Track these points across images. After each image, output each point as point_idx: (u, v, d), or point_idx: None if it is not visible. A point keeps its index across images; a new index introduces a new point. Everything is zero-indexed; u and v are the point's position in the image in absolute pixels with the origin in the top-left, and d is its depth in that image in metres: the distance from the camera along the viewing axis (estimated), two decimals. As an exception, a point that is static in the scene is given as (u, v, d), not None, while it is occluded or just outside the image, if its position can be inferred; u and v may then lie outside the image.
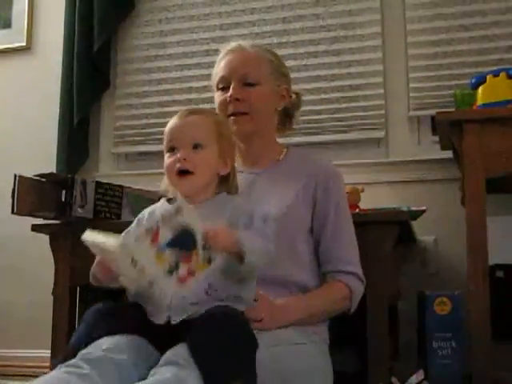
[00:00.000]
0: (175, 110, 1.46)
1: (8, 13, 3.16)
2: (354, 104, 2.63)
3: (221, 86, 1.66)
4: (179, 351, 1.15)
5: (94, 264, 1.28)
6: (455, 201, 2.25)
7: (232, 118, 1.60)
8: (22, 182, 2.03)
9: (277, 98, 1.68)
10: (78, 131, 2.89)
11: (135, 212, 2.18)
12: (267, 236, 1.30)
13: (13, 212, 2.02)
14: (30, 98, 3.07)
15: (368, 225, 1.88)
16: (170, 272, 1.13)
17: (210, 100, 1.80)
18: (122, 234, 1.41)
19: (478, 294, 1.79)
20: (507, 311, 2.05)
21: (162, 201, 1.41)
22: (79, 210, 2.08)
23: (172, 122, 1.39)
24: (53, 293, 2.16)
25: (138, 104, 2.92)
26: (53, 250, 2.17)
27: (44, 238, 2.20)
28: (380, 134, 2.60)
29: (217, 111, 1.63)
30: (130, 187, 2.27)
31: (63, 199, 2.08)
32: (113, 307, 1.24)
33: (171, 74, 2.88)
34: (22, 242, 2.82)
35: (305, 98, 2.64)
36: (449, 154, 2.24)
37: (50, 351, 2.14)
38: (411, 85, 2.58)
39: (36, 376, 2.65)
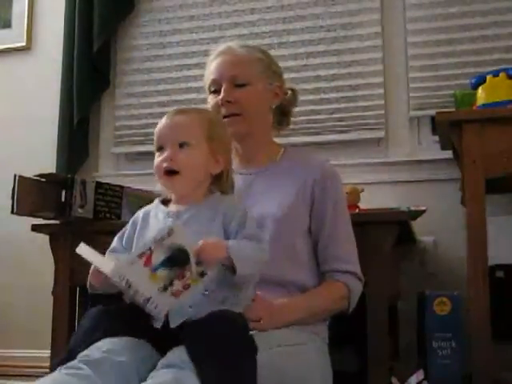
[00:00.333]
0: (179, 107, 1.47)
1: (8, 13, 3.16)
2: (353, 104, 2.63)
3: (212, 88, 1.65)
4: (178, 354, 1.15)
5: (90, 273, 1.29)
6: (455, 201, 2.25)
7: (226, 120, 1.60)
8: (21, 182, 2.03)
9: (270, 96, 1.67)
10: (77, 131, 2.89)
11: (135, 212, 2.20)
12: (260, 239, 1.30)
13: (12, 212, 2.02)
14: (29, 98, 3.07)
15: (368, 225, 1.88)
16: (165, 288, 1.15)
17: (210, 100, 1.81)
18: (114, 239, 1.43)
19: (478, 294, 1.79)
20: (507, 311, 2.05)
21: (156, 202, 1.41)
22: (79, 210, 2.08)
23: (161, 121, 1.39)
24: (53, 293, 2.16)
25: (138, 104, 2.92)
26: (53, 250, 2.17)
27: (44, 238, 2.20)
28: (380, 134, 2.60)
29: None
30: (129, 187, 2.27)
31: (63, 199, 2.08)
32: (112, 308, 1.24)
33: (171, 74, 2.88)
34: (21, 241, 2.82)
35: (305, 98, 2.68)
36: (449, 154, 2.24)
37: (49, 351, 2.14)
38: (411, 85, 2.58)
39: (36, 376, 2.65)
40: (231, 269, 1.21)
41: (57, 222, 2.16)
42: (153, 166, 1.37)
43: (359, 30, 2.66)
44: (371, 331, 1.82)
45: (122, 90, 2.97)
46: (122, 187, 2.25)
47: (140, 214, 1.42)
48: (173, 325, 1.21)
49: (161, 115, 1.41)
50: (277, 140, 1.77)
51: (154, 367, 1.16)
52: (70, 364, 1.16)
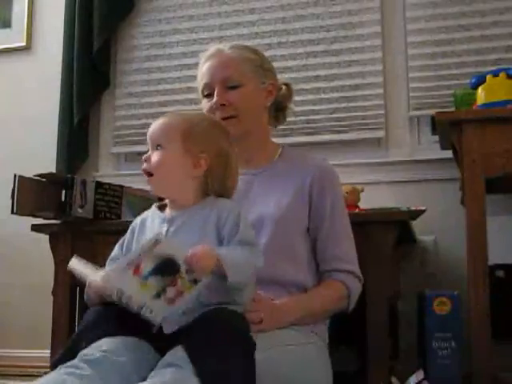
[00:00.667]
0: (175, 110, 1.47)
1: (8, 13, 3.16)
2: (353, 104, 2.64)
3: (206, 92, 1.64)
4: (178, 353, 1.15)
5: (86, 286, 1.31)
6: (455, 201, 2.25)
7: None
8: (21, 182, 2.03)
9: (263, 95, 1.66)
10: (77, 131, 2.89)
11: (135, 212, 2.20)
12: (253, 243, 1.29)
13: (13, 212, 2.02)
14: (29, 98, 3.07)
15: (368, 225, 1.88)
16: (158, 295, 1.15)
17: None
18: (115, 247, 1.43)
19: (478, 293, 1.79)
20: (507, 311, 2.05)
21: (153, 207, 1.41)
22: (79, 209, 2.08)
23: None
24: (53, 292, 2.16)
25: (138, 104, 2.92)
26: (53, 250, 2.17)
27: (44, 238, 2.20)
28: (380, 133, 2.60)
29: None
30: (129, 187, 2.27)
31: (63, 199, 2.08)
32: (112, 309, 1.24)
33: (171, 74, 2.88)
34: (21, 241, 2.82)
35: (304, 97, 2.68)
36: (448, 153, 2.24)
37: (49, 351, 2.14)
38: (411, 85, 2.58)
39: (36, 376, 2.66)
40: (223, 276, 1.21)
41: (57, 221, 2.16)
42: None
43: (359, 29, 2.66)
44: (371, 331, 1.83)
45: (122, 89, 2.97)
46: (121, 187, 2.25)
47: (138, 220, 1.42)
48: (167, 331, 1.21)
49: (161, 115, 1.41)
50: (275, 140, 1.77)
51: (153, 367, 1.16)
52: (69, 363, 1.15)
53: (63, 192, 2.08)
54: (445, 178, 2.42)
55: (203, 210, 1.32)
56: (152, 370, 1.16)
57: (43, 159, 2.84)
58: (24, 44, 3.13)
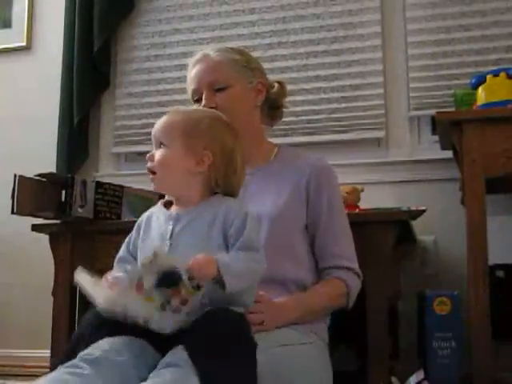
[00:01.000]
0: (178, 107, 1.46)
1: (8, 12, 3.16)
2: (353, 104, 2.64)
3: (195, 98, 1.65)
4: (178, 353, 1.14)
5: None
6: (455, 200, 2.25)
7: None
8: (21, 182, 2.03)
9: (252, 94, 1.66)
10: (77, 131, 2.89)
11: (135, 212, 2.20)
12: (257, 248, 1.27)
13: (13, 212, 2.02)
14: (29, 98, 3.07)
15: (368, 225, 1.88)
16: (163, 307, 1.15)
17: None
18: (122, 247, 1.42)
19: (478, 293, 1.79)
20: (507, 311, 2.05)
21: (159, 204, 1.41)
22: (79, 209, 2.08)
23: None
24: (53, 292, 2.16)
25: (138, 104, 2.92)
26: (53, 250, 2.17)
27: (44, 238, 2.20)
28: (380, 133, 2.60)
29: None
30: (129, 187, 2.27)
31: (63, 199, 2.08)
32: None
33: (171, 74, 2.88)
34: (22, 241, 2.82)
35: (305, 97, 2.69)
36: (449, 153, 2.24)
37: (49, 351, 2.14)
38: (411, 85, 2.58)
39: (36, 376, 2.65)
40: (222, 285, 1.20)
41: (57, 221, 2.16)
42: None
43: (359, 29, 2.66)
44: (371, 331, 1.83)
45: (122, 89, 2.97)
46: (122, 187, 2.25)
47: (143, 217, 1.42)
48: (168, 332, 1.21)
49: (161, 115, 1.41)
50: (276, 140, 1.76)
51: (154, 367, 1.16)
52: (70, 363, 1.15)
53: (63, 192, 2.08)
54: (445, 177, 2.42)
55: (209, 208, 1.31)
56: (152, 369, 1.15)
57: (43, 159, 2.84)
58: (24, 44, 3.13)
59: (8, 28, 3.16)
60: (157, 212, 1.39)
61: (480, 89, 1.97)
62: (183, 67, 2.85)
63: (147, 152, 1.37)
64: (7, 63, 3.16)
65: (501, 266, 2.18)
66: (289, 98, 2.65)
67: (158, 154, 1.33)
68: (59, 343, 2.11)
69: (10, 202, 2.02)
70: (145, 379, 1.13)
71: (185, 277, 1.14)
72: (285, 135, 2.67)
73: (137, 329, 1.19)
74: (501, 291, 2.01)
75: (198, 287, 1.17)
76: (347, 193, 2.15)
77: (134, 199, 2.25)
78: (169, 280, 1.14)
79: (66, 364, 1.15)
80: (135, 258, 1.38)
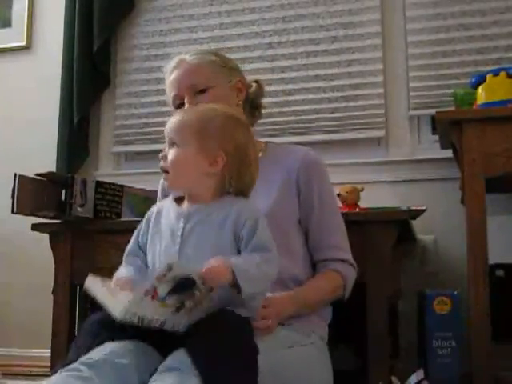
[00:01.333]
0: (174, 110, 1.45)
1: (8, 12, 3.16)
2: (353, 103, 2.64)
3: (177, 103, 1.63)
4: (180, 357, 1.14)
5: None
6: (455, 200, 2.25)
7: None
8: (22, 182, 2.03)
9: (233, 93, 1.65)
10: (77, 130, 2.89)
11: (135, 211, 2.21)
12: (269, 249, 1.27)
13: (13, 211, 2.02)
14: (29, 98, 3.07)
15: (368, 224, 1.88)
16: (178, 310, 1.16)
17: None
18: (131, 240, 1.42)
19: (478, 293, 1.79)
20: (507, 310, 2.05)
21: (170, 199, 1.39)
22: (79, 209, 2.08)
23: None
24: (53, 292, 2.16)
25: (138, 103, 2.92)
26: (53, 249, 2.17)
27: (44, 237, 2.20)
28: (380, 133, 2.60)
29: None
30: (129, 186, 2.27)
31: (63, 198, 2.08)
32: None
33: (171, 74, 2.88)
34: (22, 241, 2.82)
35: (305, 97, 2.69)
36: (449, 153, 2.24)
37: (49, 351, 2.14)
38: (411, 84, 2.58)
39: (36, 375, 2.67)
40: (237, 289, 1.20)
41: (57, 221, 2.16)
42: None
43: (359, 29, 2.66)
44: (371, 331, 1.82)
45: (122, 89, 2.97)
46: (122, 186, 2.25)
47: (154, 210, 1.41)
48: (183, 330, 1.20)
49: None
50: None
51: (155, 370, 1.16)
52: (70, 366, 1.15)
53: (63, 191, 2.08)
54: (445, 177, 2.42)
55: (221, 208, 1.30)
56: (153, 372, 1.15)
57: (43, 159, 2.84)
58: (24, 44, 3.13)
59: (8, 27, 3.16)
60: (167, 207, 1.38)
61: (480, 88, 1.97)
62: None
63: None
64: (7, 63, 3.16)
65: (501, 265, 2.18)
66: (289, 98, 2.70)
67: (170, 153, 1.32)
68: (59, 342, 2.11)
69: (10, 201, 2.02)
70: (146, 382, 1.13)
71: (198, 282, 1.15)
72: (284, 134, 2.68)
73: (138, 332, 1.19)
74: (501, 290, 2.01)
75: (212, 289, 1.17)
76: (347, 192, 2.15)
77: (134, 199, 2.25)
78: (183, 287, 1.14)
79: (66, 368, 1.15)
80: (144, 252, 1.38)
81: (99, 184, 2.16)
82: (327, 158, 2.54)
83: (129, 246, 1.41)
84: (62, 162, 2.85)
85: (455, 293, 1.91)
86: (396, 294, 2.04)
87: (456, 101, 2.18)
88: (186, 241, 1.29)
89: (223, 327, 1.17)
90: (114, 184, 2.23)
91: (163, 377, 1.12)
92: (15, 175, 2.02)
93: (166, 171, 1.33)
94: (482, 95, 1.95)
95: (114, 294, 1.21)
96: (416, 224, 2.14)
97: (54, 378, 1.15)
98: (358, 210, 2.12)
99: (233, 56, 2.74)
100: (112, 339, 1.20)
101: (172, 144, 1.33)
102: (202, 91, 1.60)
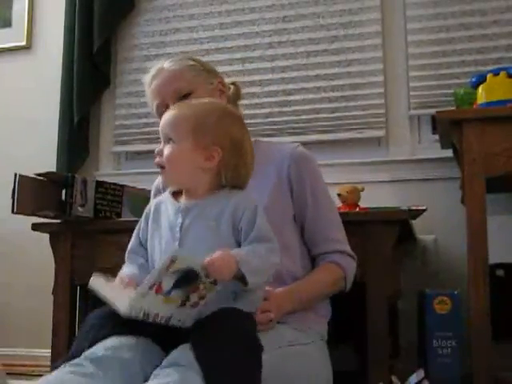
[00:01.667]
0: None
1: (8, 12, 3.16)
2: (354, 103, 2.63)
3: (161, 111, 1.60)
4: (183, 353, 1.14)
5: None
6: (455, 200, 2.24)
7: None
8: (22, 181, 2.03)
9: (216, 94, 1.65)
10: (78, 130, 2.89)
11: (135, 211, 2.20)
12: (269, 239, 1.28)
13: (13, 211, 2.02)
14: (30, 97, 3.07)
15: (368, 224, 1.88)
16: (183, 304, 1.16)
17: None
18: (132, 237, 1.42)
19: (478, 293, 1.79)
20: (507, 310, 2.05)
21: (167, 194, 1.40)
22: (79, 209, 2.08)
23: None
24: (53, 292, 2.16)
25: (138, 103, 2.92)
26: (53, 249, 2.17)
27: (44, 237, 2.20)
28: (380, 133, 2.60)
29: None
30: (130, 186, 2.27)
31: (63, 198, 2.08)
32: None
33: (171, 73, 2.88)
34: (22, 240, 2.82)
35: (305, 96, 2.69)
36: (449, 152, 2.24)
37: (50, 350, 2.14)
38: (411, 84, 2.58)
39: (36, 375, 2.66)
40: (242, 281, 1.20)
41: (57, 221, 2.16)
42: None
43: (359, 28, 2.66)
44: (371, 330, 1.82)
45: (123, 89, 2.97)
46: (122, 186, 2.25)
47: (152, 205, 1.41)
48: (189, 325, 1.20)
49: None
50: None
51: (158, 365, 1.16)
52: (74, 361, 1.15)
53: (63, 191, 2.08)
54: (445, 177, 2.42)
55: (218, 201, 1.30)
56: (156, 367, 1.15)
57: (44, 158, 2.84)
58: (24, 43, 3.13)
59: (8, 27, 3.16)
60: (165, 202, 1.38)
61: (480, 88, 1.97)
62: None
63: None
64: (7, 63, 3.16)
65: (501, 265, 2.18)
66: (289, 97, 2.70)
67: (166, 149, 1.32)
68: (59, 342, 2.11)
69: (11, 201, 2.02)
70: (149, 377, 1.13)
71: (202, 274, 1.15)
72: (285, 134, 2.67)
73: (141, 327, 1.19)
74: (501, 290, 2.01)
75: (216, 282, 1.17)
76: (347, 192, 2.15)
77: (135, 198, 2.25)
78: (187, 280, 1.14)
79: (70, 363, 1.15)
80: (146, 249, 1.38)
81: (99, 184, 2.16)
82: (327, 157, 2.57)
83: (130, 244, 1.42)
84: (62, 161, 2.85)
85: (455, 293, 1.91)
86: (396, 293, 2.04)
87: (456, 100, 2.18)
88: (185, 236, 1.30)
89: (226, 324, 1.17)
90: (114, 184, 2.23)
91: (166, 372, 1.12)
92: (15, 175, 2.02)
93: (162, 167, 1.33)
94: (482, 95, 1.95)
95: (118, 291, 1.21)
96: (416, 224, 2.14)
97: (56, 372, 1.15)
98: (358, 209, 2.12)
99: (233, 56, 2.79)
100: (115, 334, 1.20)
101: (168, 140, 1.33)
102: (186, 96, 1.59)
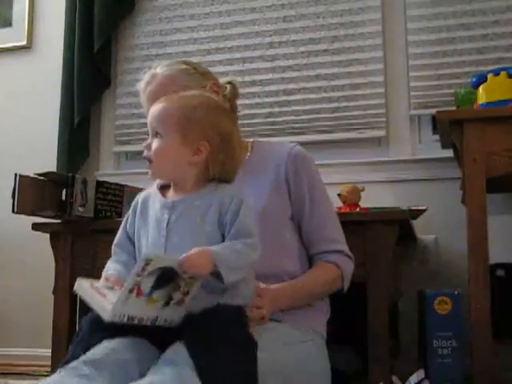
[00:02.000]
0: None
1: (8, 12, 3.16)
2: (354, 103, 2.63)
3: None
4: (178, 351, 1.15)
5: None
6: (456, 200, 2.24)
7: None
8: (22, 181, 2.03)
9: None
10: (78, 130, 2.89)
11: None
12: (250, 234, 1.26)
13: (13, 211, 2.02)
14: (30, 97, 3.07)
15: (368, 224, 1.88)
16: (167, 303, 1.16)
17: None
18: (119, 230, 1.41)
19: (479, 293, 1.79)
20: (508, 310, 2.05)
21: (155, 187, 1.39)
22: (80, 208, 2.08)
23: None
24: (53, 291, 2.16)
25: (139, 103, 2.87)
26: (53, 249, 2.18)
27: (45, 237, 2.20)
28: (381, 133, 2.60)
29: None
30: (130, 186, 2.27)
31: (64, 198, 2.08)
32: None
33: (172, 73, 2.88)
34: (22, 240, 2.82)
35: (305, 96, 2.69)
36: (449, 152, 2.24)
37: (50, 350, 2.14)
38: (412, 84, 2.58)
39: (37, 375, 2.66)
40: (218, 278, 1.20)
41: (58, 221, 2.16)
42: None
43: (360, 28, 2.66)
44: (372, 330, 1.83)
45: (123, 88, 2.97)
46: (122, 186, 2.25)
47: (139, 198, 1.41)
48: (177, 323, 1.21)
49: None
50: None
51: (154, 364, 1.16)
52: (70, 365, 1.15)
53: (64, 191, 2.08)
54: (446, 177, 2.42)
55: (205, 196, 1.30)
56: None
57: (44, 158, 2.84)
58: (25, 43, 3.13)
59: (8, 27, 3.16)
60: (153, 195, 1.38)
61: (481, 88, 1.97)
62: (184, 66, 2.87)
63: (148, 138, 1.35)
64: (8, 62, 3.16)
65: (501, 265, 2.18)
66: (289, 97, 2.70)
67: (154, 143, 1.31)
68: (60, 342, 2.12)
69: (11, 201, 2.02)
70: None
71: (180, 271, 1.15)
72: (285, 134, 2.67)
73: (136, 329, 1.19)
74: (501, 290, 2.01)
75: (195, 277, 1.17)
76: (348, 192, 2.15)
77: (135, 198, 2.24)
78: (166, 278, 1.14)
79: (66, 366, 1.15)
80: (133, 243, 1.38)
81: (100, 184, 2.16)
82: (328, 157, 2.57)
83: (117, 236, 1.41)
84: (62, 161, 2.85)
85: (456, 293, 1.91)
86: (396, 293, 2.04)
87: (457, 100, 2.18)
88: (172, 231, 1.29)
89: (218, 319, 1.17)
90: (114, 184, 2.23)
91: (162, 370, 1.12)
92: (16, 175, 2.02)
93: (149, 160, 1.33)
94: (482, 95, 1.95)
95: (103, 294, 1.21)
96: (417, 224, 2.14)
97: (53, 376, 1.15)
98: (358, 209, 2.12)
99: (233, 56, 2.79)
100: (110, 336, 1.20)
101: (155, 133, 1.32)
102: None
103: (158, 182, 1.40)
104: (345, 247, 1.61)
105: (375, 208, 2.09)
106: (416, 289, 2.13)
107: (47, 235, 2.19)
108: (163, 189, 1.38)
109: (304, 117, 2.68)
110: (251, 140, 1.74)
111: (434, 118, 2.50)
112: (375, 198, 2.26)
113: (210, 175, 1.32)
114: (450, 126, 1.92)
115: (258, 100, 2.74)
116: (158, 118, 1.33)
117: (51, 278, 2.17)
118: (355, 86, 2.64)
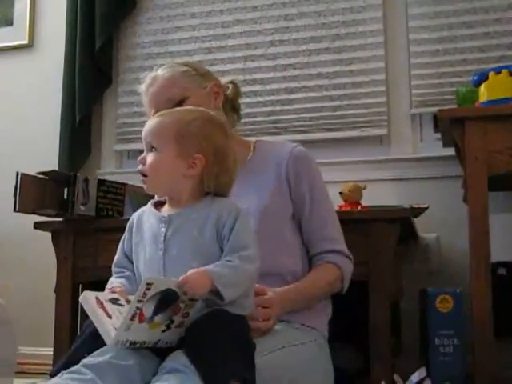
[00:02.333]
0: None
1: (10, 10, 3.16)
2: (356, 101, 2.63)
3: None
4: (178, 358, 1.15)
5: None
6: (457, 198, 2.24)
7: None
8: (24, 180, 2.03)
9: (211, 98, 1.66)
10: (80, 129, 2.89)
11: (137, 209, 2.20)
12: (247, 247, 1.26)
13: (15, 210, 2.02)
14: (31, 96, 3.07)
15: (370, 222, 1.89)
16: (168, 327, 1.17)
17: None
18: (118, 250, 1.41)
19: (480, 291, 1.79)
20: (509, 309, 2.05)
21: (149, 205, 1.39)
22: (81, 207, 2.09)
23: None
24: (55, 290, 2.17)
25: (140, 101, 2.88)
26: (55, 248, 2.18)
27: (46, 236, 2.20)
28: (382, 131, 2.60)
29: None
30: (132, 184, 2.27)
31: (65, 197, 2.08)
32: None
33: (173, 72, 2.88)
34: (24, 239, 2.83)
35: (307, 95, 2.69)
36: (451, 151, 2.24)
37: (52, 349, 2.14)
38: (413, 82, 2.57)
39: (38, 373, 2.66)
40: (218, 297, 1.20)
41: (59, 219, 2.17)
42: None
43: (361, 27, 2.66)
44: (373, 329, 1.83)
45: (124, 87, 2.97)
46: (124, 184, 2.25)
47: (134, 218, 1.41)
48: (176, 344, 1.21)
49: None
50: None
51: (155, 371, 1.16)
52: (72, 369, 1.15)
53: (65, 190, 2.08)
54: (447, 175, 2.42)
55: (201, 209, 1.30)
56: (155, 374, 1.15)
57: (45, 157, 2.85)
58: (26, 42, 3.13)
59: (10, 26, 3.16)
60: (147, 212, 1.38)
61: (482, 86, 1.96)
62: (185, 65, 2.87)
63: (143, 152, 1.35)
64: (9, 61, 3.16)
65: (503, 263, 2.17)
66: (291, 96, 2.70)
67: (149, 157, 1.32)
68: (62, 340, 2.12)
69: (13, 199, 2.02)
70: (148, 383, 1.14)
71: (180, 293, 1.15)
72: (287, 132, 2.67)
73: None
74: (503, 289, 2.01)
75: (195, 299, 1.18)
76: (349, 190, 2.15)
77: (137, 197, 2.25)
78: (167, 302, 1.15)
79: (68, 370, 1.15)
80: (131, 261, 1.37)
81: (101, 182, 2.16)
82: (329, 156, 2.57)
83: (116, 257, 1.41)
84: (64, 160, 2.85)
85: (457, 291, 1.91)
86: (398, 292, 2.04)
87: (458, 99, 2.18)
88: (169, 246, 1.29)
89: (218, 326, 1.17)
90: (116, 182, 2.23)
91: (164, 378, 1.12)
92: (17, 174, 2.03)
93: (144, 175, 1.33)
94: (484, 93, 1.95)
95: (108, 313, 1.20)
96: (418, 222, 2.14)
97: (54, 380, 1.15)
98: (360, 208, 2.12)
99: (234, 54, 2.79)
100: None
101: (150, 148, 1.32)
102: (180, 102, 1.60)
103: (152, 201, 1.40)
104: (344, 247, 1.62)
105: (377, 206, 2.09)
106: (418, 287, 2.13)
107: (49, 234, 2.20)
108: (157, 206, 1.38)
109: (305, 115, 2.68)
110: (254, 140, 1.74)
111: (435, 117, 2.49)
112: (377, 197, 2.26)
113: (205, 188, 1.32)
114: (451, 125, 1.92)
115: (259, 98, 2.73)
116: (152, 132, 1.33)
117: (53, 276, 2.17)
118: (357, 85, 2.64)
